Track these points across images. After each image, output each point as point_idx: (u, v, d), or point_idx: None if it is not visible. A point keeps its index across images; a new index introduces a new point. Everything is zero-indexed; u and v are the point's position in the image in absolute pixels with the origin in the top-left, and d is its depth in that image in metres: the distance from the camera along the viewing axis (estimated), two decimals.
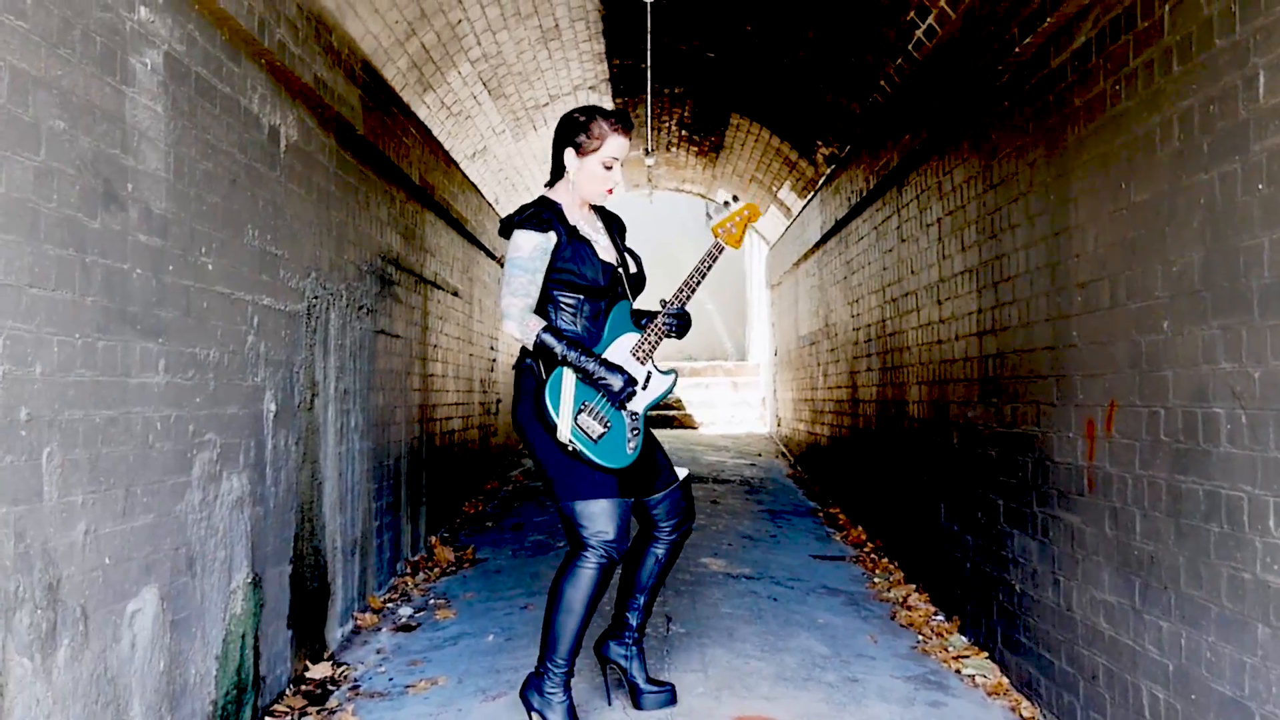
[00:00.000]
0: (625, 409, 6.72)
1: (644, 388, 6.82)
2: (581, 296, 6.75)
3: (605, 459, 6.63)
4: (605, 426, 6.64)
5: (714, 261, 7.04)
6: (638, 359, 6.79)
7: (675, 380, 7.06)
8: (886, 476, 12.51)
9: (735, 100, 16.76)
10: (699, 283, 6.96)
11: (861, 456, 14.28)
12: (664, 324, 6.88)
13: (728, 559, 12.11)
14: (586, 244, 6.76)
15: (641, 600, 7.11)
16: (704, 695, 7.45)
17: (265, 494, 7.39)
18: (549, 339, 6.60)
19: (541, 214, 6.74)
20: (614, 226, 7.15)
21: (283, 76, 7.63)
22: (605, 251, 6.88)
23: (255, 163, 7.20)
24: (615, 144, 6.81)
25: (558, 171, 6.94)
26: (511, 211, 6.90)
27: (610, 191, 6.89)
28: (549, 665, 6.68)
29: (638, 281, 7.06)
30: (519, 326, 6.64)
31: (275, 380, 7.55)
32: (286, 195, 7.79)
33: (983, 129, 8.56)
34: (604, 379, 6.61)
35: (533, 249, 6.68)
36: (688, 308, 7.00)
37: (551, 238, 6.70)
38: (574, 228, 6.78)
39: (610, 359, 6.72)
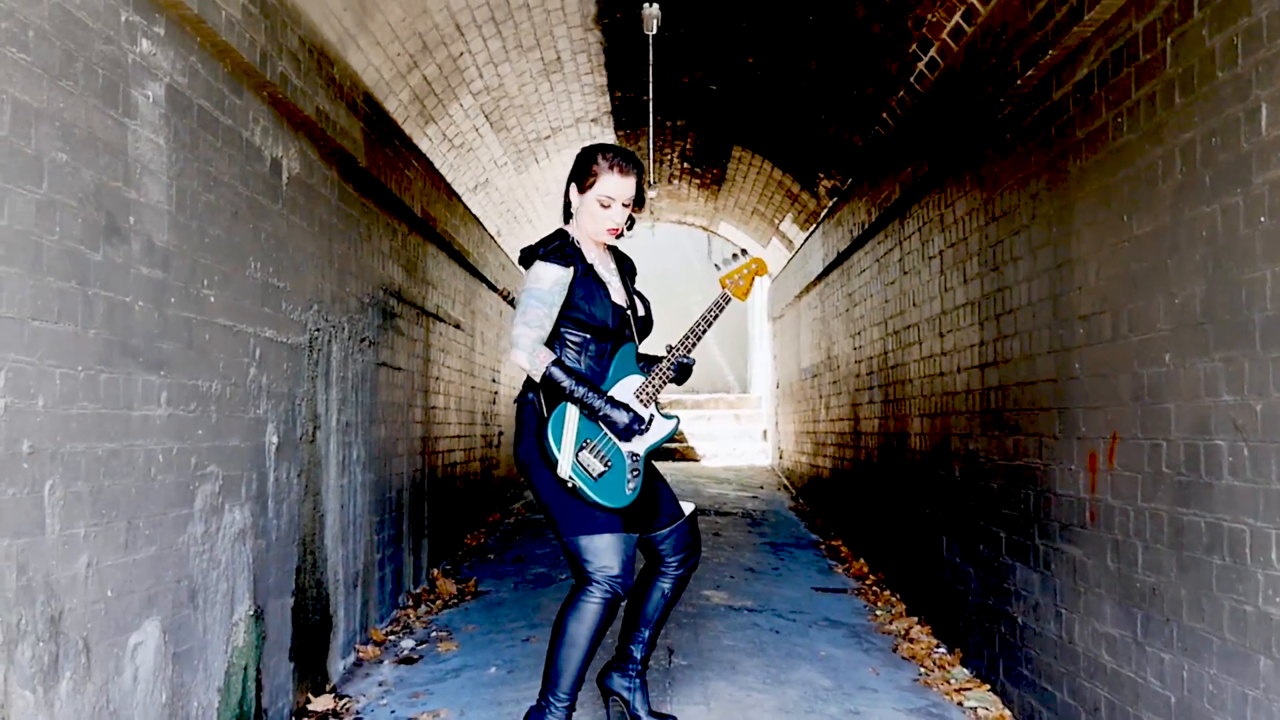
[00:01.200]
0: (627, 449, 6.71)
1: (646, 430, 6.78)
2: (589, 336, 6.73)
3: (604, 498, 6.61)
4: (606, 465, 6.62)
5: (720, 312, 6.94)
6: (641, 401, 6.77)
7: (677, 425, 7.04)
8: (888, 508, 12.50)
9: (737, 133, 16.77)
10: (705, 331, 6.93)
11: (863, 488, 14.27)
12: (668, 369, 6.85)
13: (730, 591, 12.10)
14: (601, 284, 6.75)
15: (646, 634, 7.08)
16: None
17: (267, 526, 7.39)
18: (558, 373, 6.55)
19: (565, 248, 6.72)
20: (625, 268, 7.16)
21: (285, 109, 7.64)
22: (617, 293, 6.86)
23: (257, 195, 7.21)
24: (611, 182, 6.76)
25: (567, 206, 6.97)
26: (534, 242, 6.87)
27: (614, 233, 6.86)
28: (551, 699, 6.65)
29: (645, 325, 7.06)
30: (529, 358, 6.56)
31: (277, 412, 7.55)
32: (289, 227, 7.79)
33: (985, 161, 8.57)
34: (609, 416, 6.59)
35: (553, 283, 6.64)
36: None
37: (570, 272, 6.68)
38: (590, 265, 6.77)
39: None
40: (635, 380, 6.82)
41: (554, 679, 6.65)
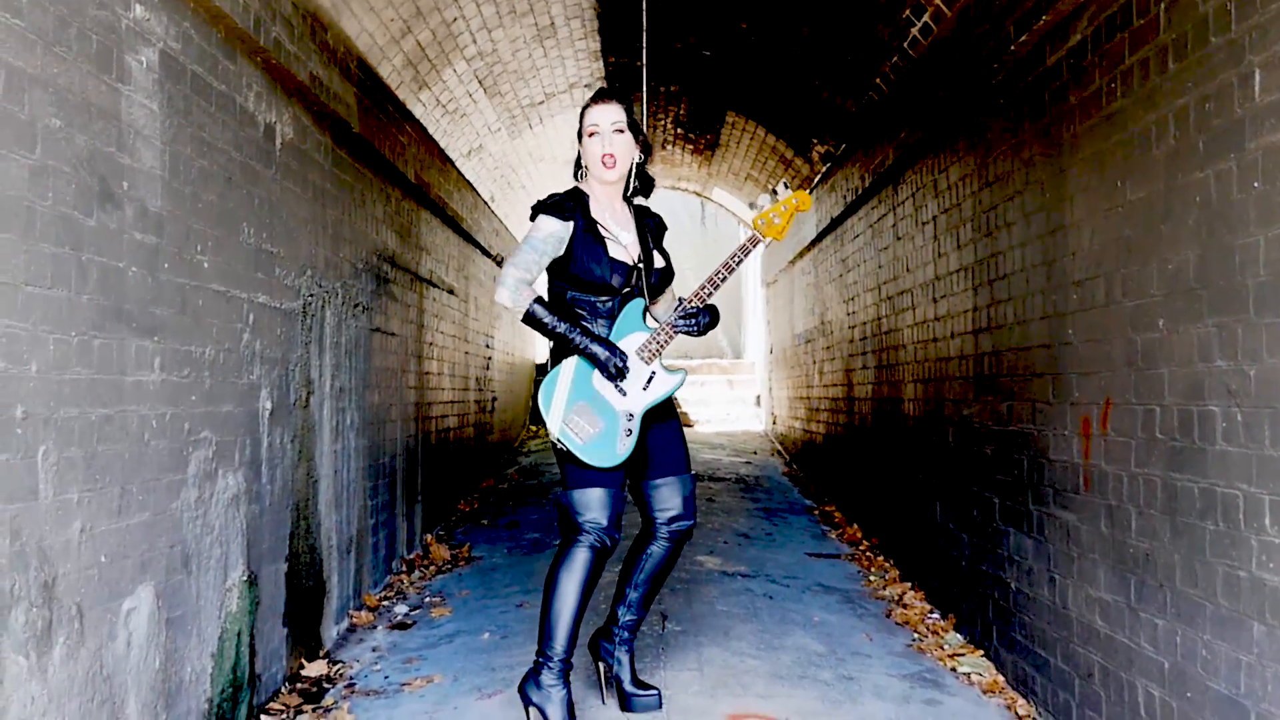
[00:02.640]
0: (623, 409, 6.70)
1: (645, 388, 6.76)
2: (593, 296, 6.77)
3: (594, 459, 6.65)
4: (596, 427, 6.64)
5: (745, 255, 6.85)
6: (643, 359, 6.75)
7: (682, 380, 6.98)
8: (882, 474, 12.51)
9: (731, 98, 16.76)
10: (725, 278, 6.87)
11: (857, 454, 14.28)
12: (676, 325, 6.82)
13: (723, 557, 12.11)
14: (600, 242, 6.76)
15: (633, 596, 7.07)
16: (699, 694, 7.45)
17: (261, 492, 7.39)
18: (539, 310, 6.65)
19: (566, 203, 6.81)
20: (648, 224, 7.13)
21: (278, 74, 7.62)
22: (621, 250, 6.83)
23: (251, 161, 7.20)
24: (591, 113, 6.92)
25: (579, 162, 7.04)
26: (544, 197, 6.97)
27: (609, 162, 6.82)
28: (546, 656, 6.69)
29: (663, 280, 7.05)
30: (511, 295, 6.63)
31: (271, 378, 7.55)
32: (282, 193, 7.78)
33: (978, 127, 8.56)
34: (589, 350, 6.63)
35: (548, 234, 6.75)
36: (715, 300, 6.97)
37: (569, 227, 6.76)
38: (594, 221, 6.80)
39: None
40: (640, 336, 6.78)
41: (548, 634, 6.70)
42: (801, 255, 18.67)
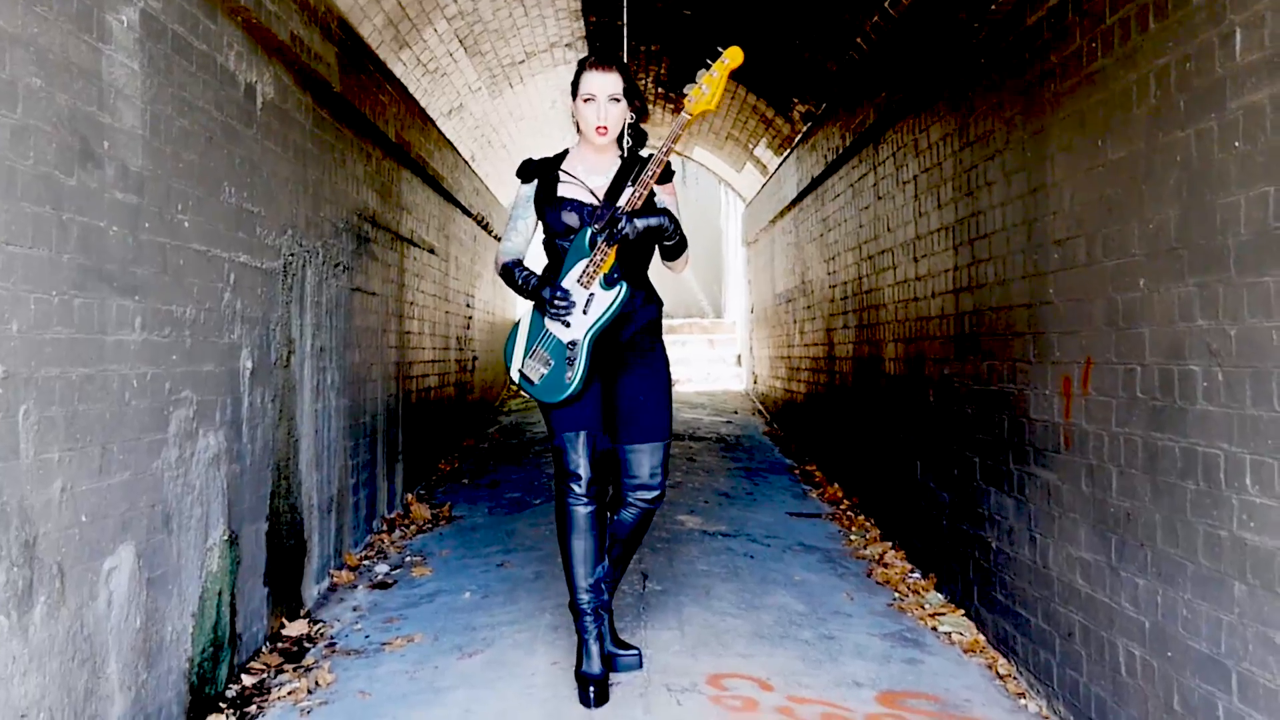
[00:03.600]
0: (568, 338, 6.66)
1: (585, 311, 6.63)
2: (562, 241, 6.82)
3: (546, 395, 6.72)
4: (546, 366, 6.67)
5: (675, 141, 6.60)
6: (582, 284, 6.62)
7: (619, 293, 6.61)
8: (863, 434, 12.53)
9: (712, 58, 16.72)
10: (654, 174, 6.53)
11: (838, 414, 14.30)
12: (602, 236, 6.54)
13: (704, 516, 12.14)
14: (570, 182, 6.84)
15: (603, 561, 7.08)
16: (680, 653, 7.48)
17: (242, 451, 7.39)
18: (506, 270, 6.90)
19: (528, 164, 6.97)
20: (637, 172, 6.63)
21: (259, 34, 7.60)
22: (579, 189, 6.84)
23: (232, 120, 7.18)
24: (588, 79, 6.84)
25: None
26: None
27: (601, 131, 6.78)
28: (572, 604, 6.92)
29: (637, 214, 6.55)
30: (496, 264, 6.91)
31: (252, 338, 7.54)
32: (263, 153, 7.77)
33: (959, 87, 8.56)
34: (530, 290, 6.76)
35: (519, 197, 6.97)
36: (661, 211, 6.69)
37: (531, 188, 6.91)
38: (557, 177, 6.86)
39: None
40: (580, 263, 6.68)
41: (568, 586, 6.94)
42: (782, 215, 18.66)
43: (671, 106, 20.20)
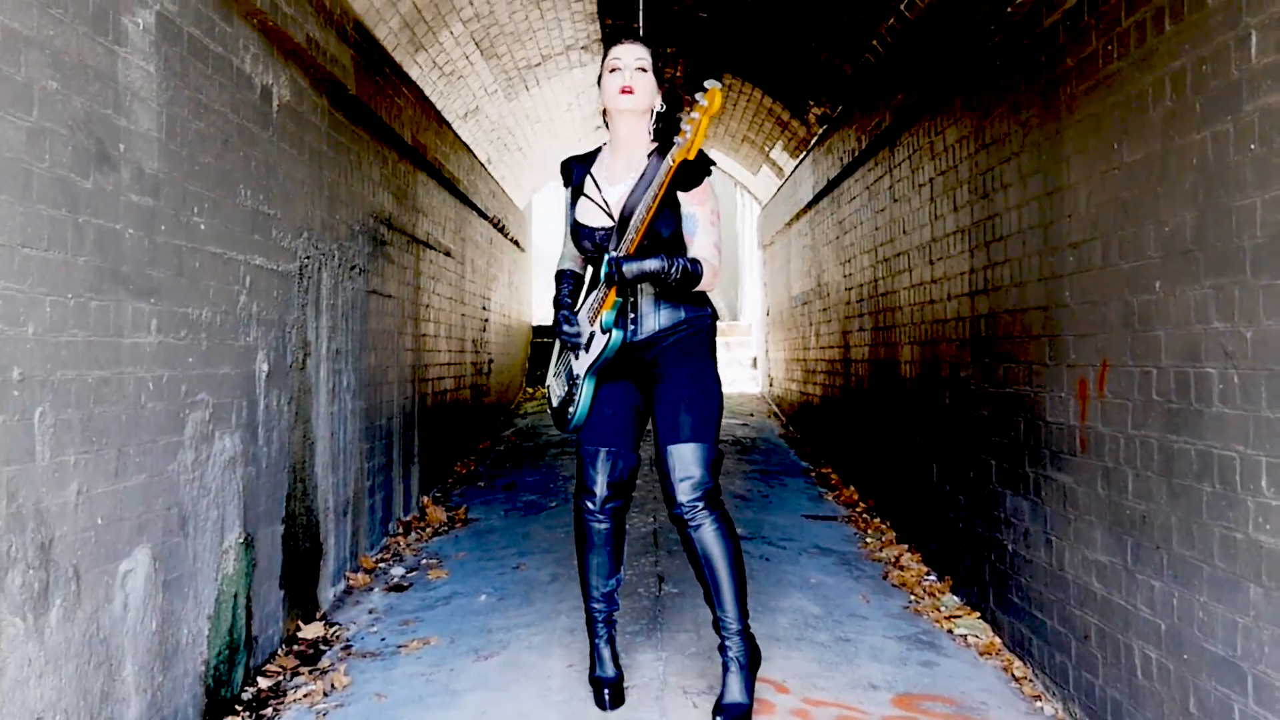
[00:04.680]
0: (575, 371, 6.60)
1: (587, 348, 6.51)
2: (585, 256, 6.72)
3: (556, 419, 6.72)
4: (563, 389, 6.68)
5: (661, 190, 6.06)
6: (589, 318, 6.52)
7: (611, 340, 6.34)
8: (878, 436, 12.52)
9: (728, 60, 16.72)
10: (642, 221, 6.14)
11: (854, 416, 14.29)
12: (601, 280, 6.41)
13: None
14: (589, 201, 6.60)
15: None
16: (696, 655, 7.47)
17: (258, 454, 7.40)
18: (558, 275, 6.82)
19: (566, 164, 6.80)
20: (656, 171, 6.24)
21: (275, 36, 7.61)
22: (595, 210, 6.56)
23: (248, 123, 7.19)
24: (615, 50, 6.54)
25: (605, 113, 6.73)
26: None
27: (626, 90, 6.42)
28: (586, 609, 6.88)
29: (654, 232, 6.33)
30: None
31: (267, 340, 7.55)
32: (279, 155, 7.78)
33: (975, 89, 8.55)
34: (556, 310, 6.69)
35: (565, 202, 6.77)
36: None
37: (569, 191, 6.73)
38: (585, 179, 6.65)
39: (580, 315, 6.62)
40: (595, 293, 6.55)
41: (581, 589, 6.89)
42: (798, 217, 18.66)
43: (687, 109, 20.15)
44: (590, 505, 6.65)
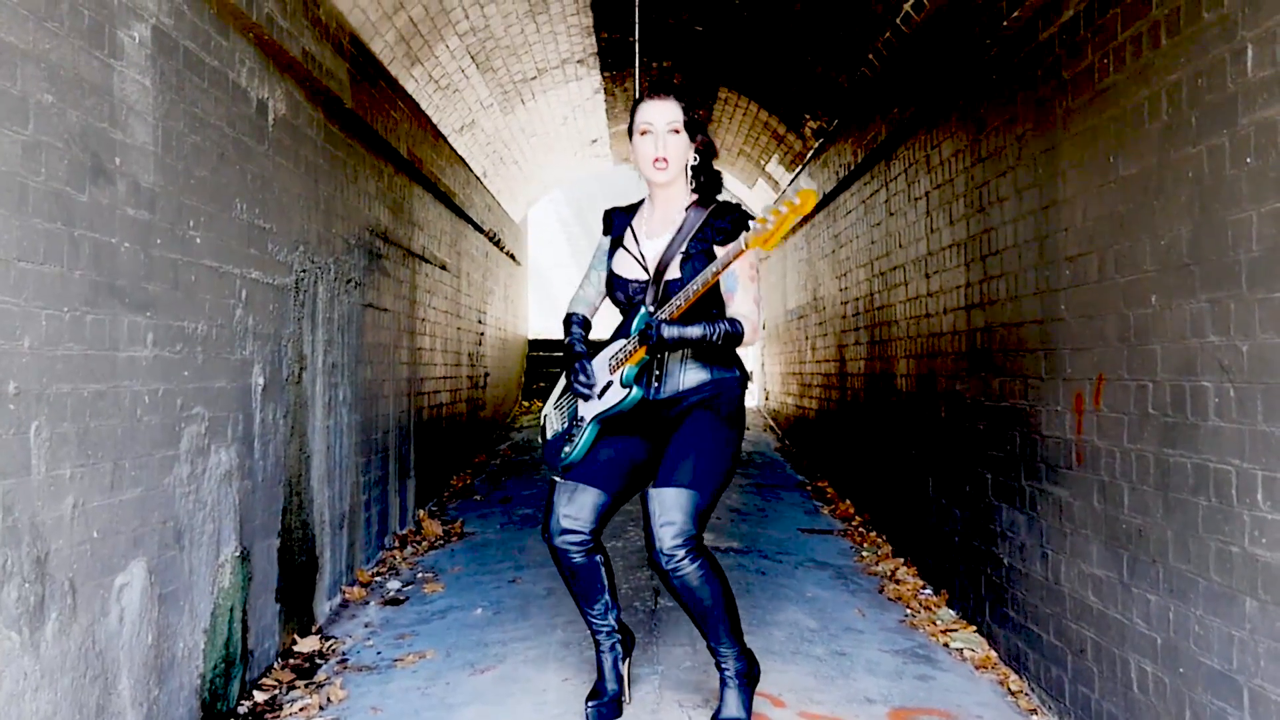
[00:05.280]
0: (580, 412, 6.54)
1: (600, 395, 6.43)
2: (619, 308, 6.57)
3: (548, 453, 6.63)
4: (561, 424, 6.63)
5: (725, 268, 5.95)
6: (610, 366, 6.40)
7: (626, 398, 6.31)
8: (874, 450, 12.53)
9: (723, 74, 16.74)
10: (698, 292, 6.00)
11: (849, 430, 14.30)
12: (633, 338, 6.30)
13: (716, 533, 12.11)
14: (626, 253, 6.51)
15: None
16: (692, 669, 7.46)
17: (253, 467, 7.40)
18: (567, 319, 6.72)
19: (609, 214, 6.73)
20: (706, 229, 6.29)
21: (271, 50, 7.62)
22: (632, 264, 6.45)
23: (243, 136, 7.19)
24: (644, 109, 6.34)
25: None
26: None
27: (660, 165, 6.27)
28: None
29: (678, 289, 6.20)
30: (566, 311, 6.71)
31: (263, 354, 7.55)
32: (275, 169, 7.78)
33: (971, 103, 8.56)
34: (566, 357, 6.61)
35: (598, 248, 6.73)
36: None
37: (607, 240, 6.65)
38: (624, 233, 6.56)
39: (596, 361, 6.52)
40: (619, 343, 6.42)
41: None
42: (794, 231, 18.67)
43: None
44: (545, 534, 6.44)
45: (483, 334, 19.26)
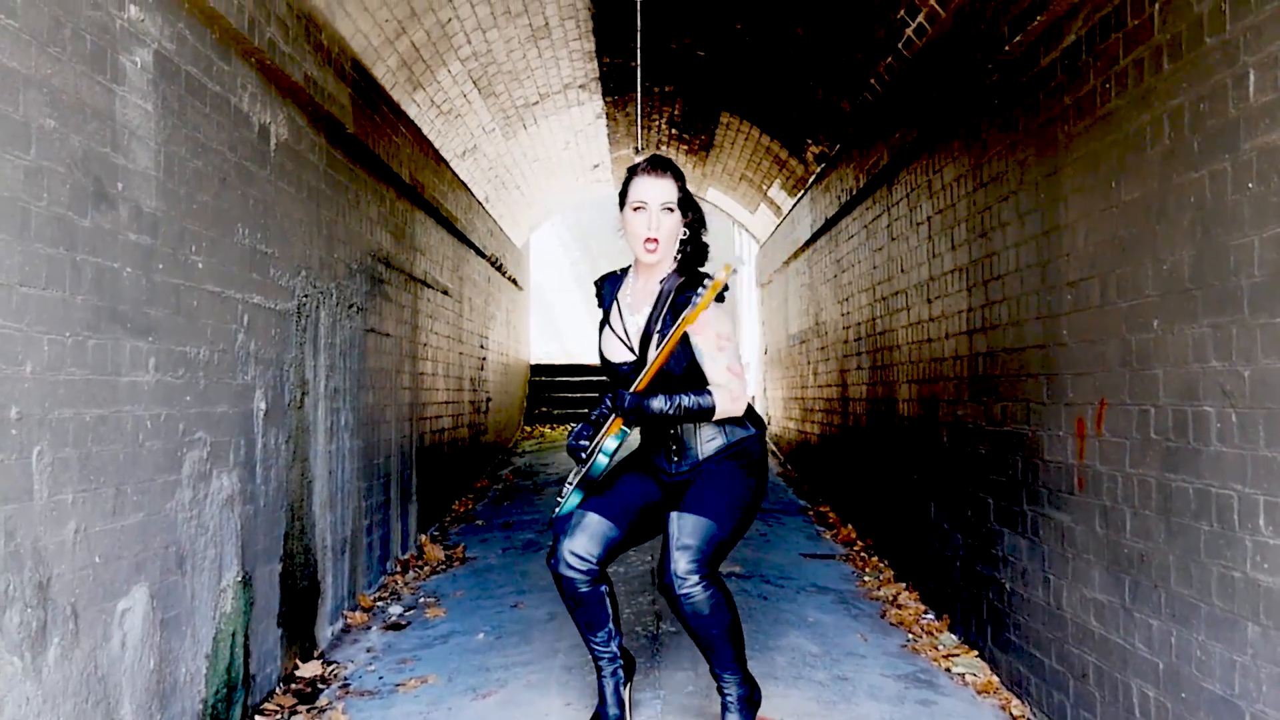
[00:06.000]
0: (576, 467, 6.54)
1: (586, 459, 6.42)
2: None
3: (563, 502, 6.53)
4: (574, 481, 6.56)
5: (666, 350, 6.06)
6: (602, 430, 6.42)
7: (597, 463, 6.33)
8: (876, 475, 12.52)
9: (725, 99, 16.76)
10: (653, 363, 6.11)
11: (851, 455, 14.29)
12: (604, 411, 6.47)
13: None
14: (611, 334, 6.49)
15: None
16: (694, 694, 7.46)
17: (255, 492, 7.39)
18: (602, 399, 6.57)
19: (601, 287, 6.70)
20: (668, 297, 6.28)
21: (273, 75, 7.62)
22: (618, 346, 6.45)
23: (245, 161, 7.20)
24: (640, 185, 6.29)
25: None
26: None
27: (651, 247, 6.24)
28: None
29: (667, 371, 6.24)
30: None
31: (265, 379, 7.55)
32: (277, 194, 7.78)
33: (973, 127, 8.57)
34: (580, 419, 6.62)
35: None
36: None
37: (601, 312, 6.62)
38: (610, 308, 6.55)
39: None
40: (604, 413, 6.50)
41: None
42: (796, 256, 18.68)
43: (685, 148, 20.24)
44: (556, 566, 6.41)
45: (485, 359, 19.27)
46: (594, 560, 6.38)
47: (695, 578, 6.07)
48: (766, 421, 24.33)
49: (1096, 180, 6.21)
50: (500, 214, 20.42)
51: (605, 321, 6.54)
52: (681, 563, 6.08)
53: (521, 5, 13.05)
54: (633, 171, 6.38)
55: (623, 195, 6.39)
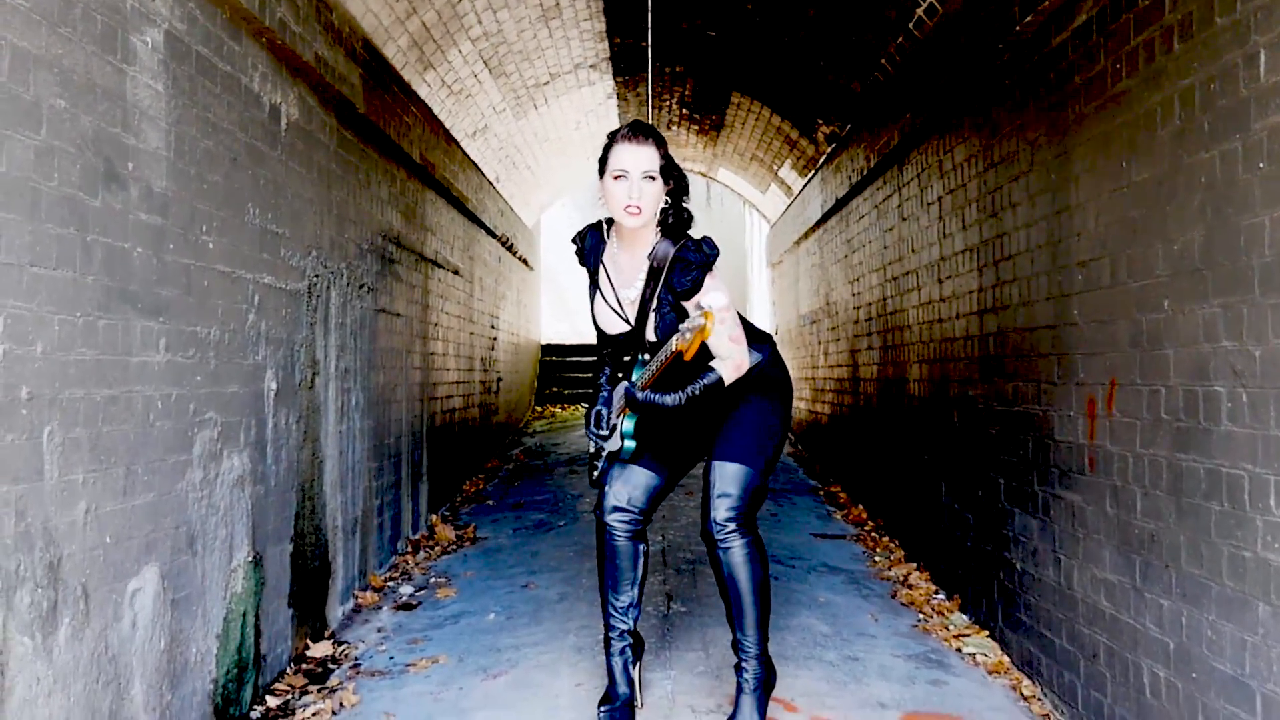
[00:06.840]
0: (602, 446, 6.67)
1: (609, 439, 6.58)
2: (607, 346, 6.65)
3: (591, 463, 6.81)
4: (593, 448, 6.77)
5: (669, 360, 5.95)
6: (617, 410, 6.53)
7: (625, 448, 6.46)
8: (887, 455, 12.52)
9: (736, 79, 16.73)
10: (659, 370, 6.09)
11: (862, 435, 14.28)
12: (623, 396, 6.43)
13: None
14: (604, 304, 6.49)
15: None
16: (704, 674, 7.46)
17: (266, 472, 7.40)
18: (595, 372, 6.81)
19: (582, 238, 6.65)
20: (672, 274, 6.23)
21: (284, 55, 7.62)
22: (614, 318, 6.47)
23: (256, 141, 7.20)
24: (620, 152, 6.20)
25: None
26: (573, 236, 6.73)
27: (633, 211, 6.14)
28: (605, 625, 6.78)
29: (668, 334, 6.15)
30: None
31: (276, 359, 7.55)
32: (287, 174, 7.78)
33: (984, 108, 8.55)
34: (591, 395, 6.76)
35: (589, 283, 6.64)
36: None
37: (589, 272, 6.59)
38: (599, 266, 6.52)
39: (616, 392, 6.59)
40: (620, 392, 6.51)
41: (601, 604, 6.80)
42: (807, 236, 18.65)
43: (696, 128, 20.21)
44: (602, 514, 6.60)
45: (495, 339, 19.27)
46: (637, 510, 6.59)
47: (733, 525, 6.36)
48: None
49: (1107, 160, 6.20)
50: (511, 194, 20.40)
51: (595, 286, 6.55)
52: (721, 510, 6.35)
53: None
54: (612, 138, 6.32)
55: (602, 162, 6.33)
